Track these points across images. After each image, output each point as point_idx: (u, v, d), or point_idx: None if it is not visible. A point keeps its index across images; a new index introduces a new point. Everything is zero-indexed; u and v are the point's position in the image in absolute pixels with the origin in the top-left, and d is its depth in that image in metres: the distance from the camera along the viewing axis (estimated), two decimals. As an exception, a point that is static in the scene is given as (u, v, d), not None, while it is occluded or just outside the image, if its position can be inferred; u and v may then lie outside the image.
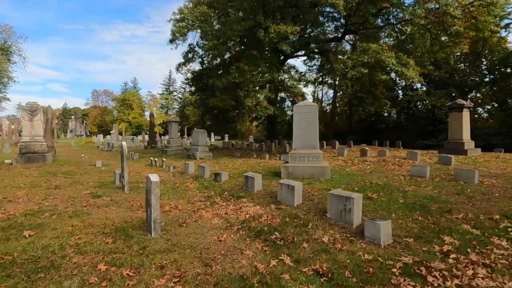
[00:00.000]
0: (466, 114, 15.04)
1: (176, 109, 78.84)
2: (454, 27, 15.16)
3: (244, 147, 23.04)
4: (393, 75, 18.62)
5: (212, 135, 48.71)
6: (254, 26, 14.08)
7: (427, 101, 27.95)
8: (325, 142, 23.67)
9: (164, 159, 13.94)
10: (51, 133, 19.08)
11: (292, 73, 15.54)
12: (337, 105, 43.96)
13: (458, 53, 30.23)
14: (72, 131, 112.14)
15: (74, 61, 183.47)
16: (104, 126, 78.47)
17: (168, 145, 21.24)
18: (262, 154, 16.17)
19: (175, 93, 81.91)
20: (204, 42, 17.61)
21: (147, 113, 72.80)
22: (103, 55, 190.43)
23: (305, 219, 5.13)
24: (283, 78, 14.78)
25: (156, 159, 14.36)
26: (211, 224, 5.17)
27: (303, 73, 32.85)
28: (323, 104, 46.88)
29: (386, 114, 36.29)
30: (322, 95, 46.92)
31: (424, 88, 32.72)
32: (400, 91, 35.20)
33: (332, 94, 43.98)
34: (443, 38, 16.34)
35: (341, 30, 20.03)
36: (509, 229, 4.74)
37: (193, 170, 11.03)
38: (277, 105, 18.75)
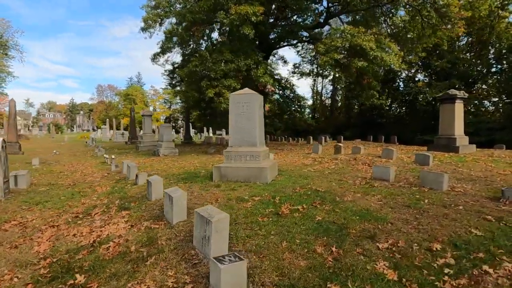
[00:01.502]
0: (459, 106, 13.20)
1: (179, 103, 77.69)
2: (447, 7, 13.21)
3: (224, 143, 21.55)
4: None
5: (211, 130, 47.41)
6: (215, 7, 12.53)
7: (427, 94, 25.73)
8: (311, 137, 22.07)
9: (113, 157, 12.59)
10: (14, 128, 18.01)
11: (260, 60, 13.79)
12: (337, 98, 41.84)
13: (463, 42, 27.92)
14: (80, 126, 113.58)
15: (86, 57, 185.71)
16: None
17: (141, 141, 19.92)
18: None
19: (178, 88, 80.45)
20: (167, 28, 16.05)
21: (150, 108, 71.92)
22: (114, 50, 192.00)
23: (158, 248, 3.62)
24: (250, 66, 13.13)
25: (107, 155, 13.05)
26: (27, 255, 3.71)
27: (297, 65, 31.12)
28: (323, 97, 44.87)
29: (387, 107, 34.07)
30: (322, 88, 44.88)
31: (427, 80, 30.42)
32: (401, 83, 32.91)
33: (332, 87, 41.99)
34: (435, 21, 14.31)
35: (323, 16, 18.19)
36: (446, 270, 3.12)
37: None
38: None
